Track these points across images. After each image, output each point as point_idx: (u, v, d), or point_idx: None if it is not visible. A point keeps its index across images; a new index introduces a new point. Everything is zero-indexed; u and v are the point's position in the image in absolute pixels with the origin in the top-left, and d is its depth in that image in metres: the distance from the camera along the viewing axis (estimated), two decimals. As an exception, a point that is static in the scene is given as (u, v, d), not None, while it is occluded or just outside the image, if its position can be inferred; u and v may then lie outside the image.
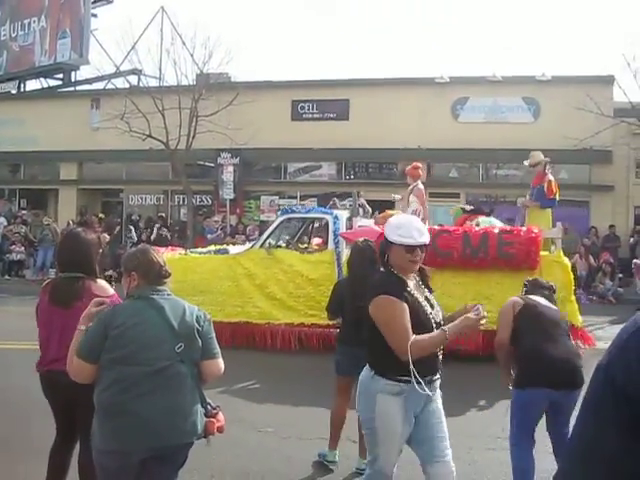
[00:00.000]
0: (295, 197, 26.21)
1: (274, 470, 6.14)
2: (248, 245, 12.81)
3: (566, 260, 10.98)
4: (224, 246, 13.71)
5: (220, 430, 3.92)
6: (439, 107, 24.43)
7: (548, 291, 5.85)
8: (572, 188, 23.82)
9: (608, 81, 22.85)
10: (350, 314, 6.22)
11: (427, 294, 4.37)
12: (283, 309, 11.61)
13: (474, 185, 25.21)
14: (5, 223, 25.19)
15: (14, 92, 32.40)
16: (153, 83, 27.13)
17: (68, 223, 23.61)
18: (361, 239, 6.78)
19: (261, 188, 27.13)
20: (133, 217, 26.36)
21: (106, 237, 20.53)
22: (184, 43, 26.04)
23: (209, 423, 3.84)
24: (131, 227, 24.49)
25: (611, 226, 21.82)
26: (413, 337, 3.97)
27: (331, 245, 11.82)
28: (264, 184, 27.11)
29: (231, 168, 23.62)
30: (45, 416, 5.18)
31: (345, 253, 11.42)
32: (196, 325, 3.86)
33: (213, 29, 41.97)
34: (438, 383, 4.33)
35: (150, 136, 23.82)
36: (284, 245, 12.86)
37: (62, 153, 28.57)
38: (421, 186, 13.06)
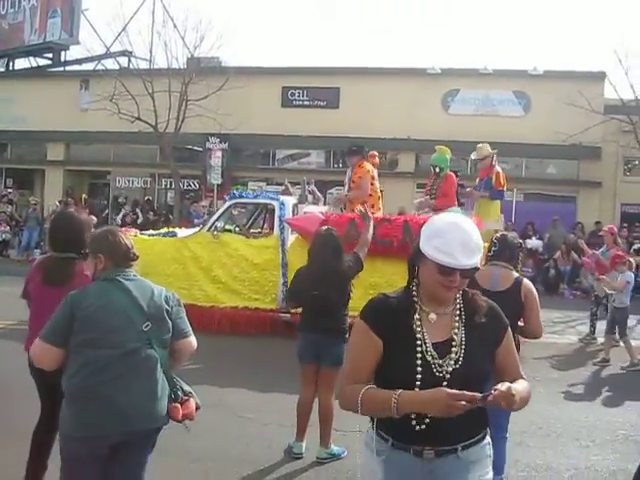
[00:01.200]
0: (282, 184, 26.14)
1: (254, 456, 6.13)
2: (196, 229, 12.83)
3: None
4: (173, 229, 13.75)
5: (187, 417, 3.80)
6: (430, 98, 24.42)
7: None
8: (560, 183, 23.96)
9: (599, 77, 22.91)
10: (308, 302, 6.22)
11: (456, 337, 2.80)
12: (228, 292, 11.68)
13: (463, 177, 25.13)
14: (-9, 202, 25.01)
15: (2, 70, 32.22)
16: (143, 65, 27.02)
17: (60, 203, 23.45)
18: (325, 227, 6.76)
19: (249, 174, 27.07)
20: (120, 199, 26.27)
21: (93, 219, 20.43)
22: (175, 26, 25.93)
23: (173, 409, 3.74)
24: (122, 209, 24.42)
25: (597, 222, 21.88)
26: (367, 387, 2.74)
27: (276, 230, 11.88)
28: (252, 170, 27.04)
29: (219, 153, 23.50)
30: (28, 397, 5.15)
31: (290, 239, 11.64)
32: (165, 306, 3.79)
33: (205, 13, 41.71)
34: (453, 461, 2.78)
35: (139, 119, 23.72)
36: (237, 229, 12.98)
37: (50, 133, 28.38)
38: (375, 174, 13.00)
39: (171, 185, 26.64)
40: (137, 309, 3.68)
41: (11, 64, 32.58)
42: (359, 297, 11.06)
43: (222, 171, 23.34)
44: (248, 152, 27.76)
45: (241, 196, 13.28)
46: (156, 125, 24.05)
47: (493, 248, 5.62)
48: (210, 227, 12.19)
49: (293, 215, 12.08)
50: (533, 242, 20.66)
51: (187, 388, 3.90)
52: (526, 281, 5.54)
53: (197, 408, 3.92)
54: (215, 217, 12.49)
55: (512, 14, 58.03)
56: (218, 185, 23.07)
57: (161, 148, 25.56)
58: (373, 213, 11.35)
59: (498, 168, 12.45)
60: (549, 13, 55.83)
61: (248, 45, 50.88)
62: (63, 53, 31.53)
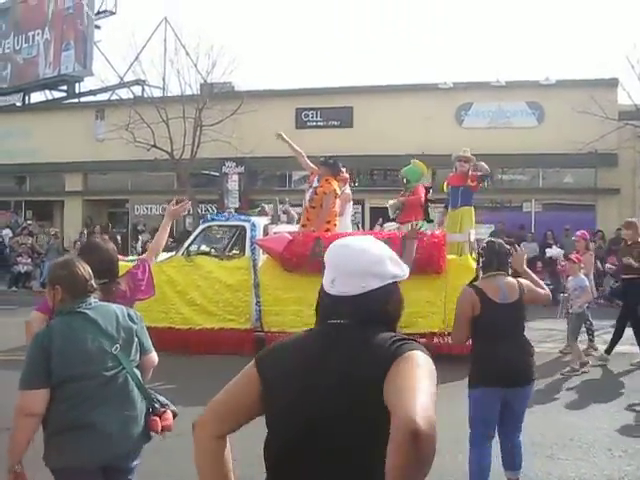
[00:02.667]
0: (300, 205, 26.17)
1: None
2: (172, 253, 13.01)
3: (473, 264, 11.03)
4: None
5: (166, 429, 3.82)
6: (443, 113, 24.42)
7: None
8: (578, 192, 23.83)
9: (612, 84, 22.83)
10: None
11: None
12: (203, 314, 11.80)
13: (479, 190, 25.10)
14: (11, 234, 25.22)
15: (19, 104, 32.47)
16: (157, 93, 27.28)
17: (85, 233, 23.61)
18: None
19: (266, 197, 27.06)
20: (139, 227, 26.40)
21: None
22: (187, 53, 26.17)
23: (153, 422, 3.74)
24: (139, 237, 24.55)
25: (618, 229, 21.72)
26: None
27: (248, 252, 12.10)
28: (269, 192, 27.02)
29: (236, 177, 23.67)
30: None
31: (261, 259, 11.88)
32: (132, 325, 3.82)
33: (216, 39, 42.09)
34: None
35: (155, 146, 23.90)
36: (213, 251, 13.26)
37: (67, 164, 28.61)
38: (348, 191, 13.24)
39: (189, 211, 26.76)
40: (105, 336, 3.67)
41: (27, 98, 32.88)
42: (311, 315, 11.24)
43: (239, 195, 23.45)
44: (264, 175, 27.85)
45: (214, 219, 13.63)
46: (172, 152, 24.22)
47: (481, 259, 5.65)
48: (184, 251, 12.41)
49: (265, 236, 12.30)
50: (553, 251, 20.46)
51: (163, 399, 3.90)
52: (521, 281, 5.59)
53: (174, 416, 3.92)
54: (189, 241, 12.73)
55: (521, 25, 58.04)
56: (236, 209, 23.15)
57: (178, 174, 25.72)
58: (328, 230, 11.69)
59: (469, 172, 12.50)
60: (559, 22, 55.90)
61: (260, 68, 51.18)
62: (77, 85, 31.78)
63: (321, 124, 26.32)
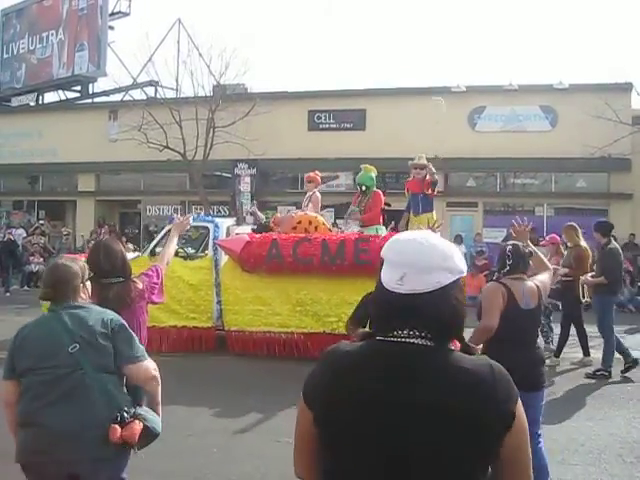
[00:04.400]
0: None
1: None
2: (138, 253, 13.39)
3: None
4: None
5: (126, 439, 3.60)
6: (456, 116, 24.37)
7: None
8: (590, 197, 23.74)
9: (626, 88, 22.77)
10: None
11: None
12: (167, 312, 11.89)
13: (491, 194, 25.13)
14: (24, 234, 25.34)
15: (32, 104, 32.66)
16: (170, 94, 27.34)
17: (91, 234, 23.73)
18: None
19: (278, 198, 27.14)
20: (150, 228, 26.46)
21: (130, 246, 20.70)
22: (201, 54, 26.24)
23: (111, 429, 3.57)
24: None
25: (631, 234, 21.64)
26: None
27: (210, 252, 12.49)
28: (281, 194, 27.12)
29: (248, 179, 23.72)
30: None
31: (223, 260, 12.20)
32: (100, 329, 3.73)
33: (229, 40, 42.18)
34: None
35: (167, 147, 23.97)
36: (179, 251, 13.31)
37: (80, 165, 28.75)
38: (318, 194, 13.37)
39: (201, 212, 26.81)
40: (66, 334, 3.68)
41: (40, 98, 33.06)
42: (287, 314, 11.46)
43: (251, 196, 23.49)
44: (276, 177, 27.86)
45: None
46: (184, 153, 24.28)
47: (508, 262, 5.60)
48: (149, 251, 12.73)
49: (228, 237, 12.70)
50: (566, 257, 20.38)
51: (140, 412, 3.74)
52: (539, 284, 5.61)
53: (152, 433, 3.76)
54: (155, 242, 13.10)
55: (535, 29, 57.99)
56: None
57: (190, 176, 25.79)
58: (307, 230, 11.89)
59: (428, 177, 12.63)
60: (573, 26, 55.77)
61: (273, 70, 51.33)
62: (91, 85, 31.93)
63: (334, 126, 26.33)
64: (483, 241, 21.77)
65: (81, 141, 28.12)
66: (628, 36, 54.80)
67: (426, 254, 2.06)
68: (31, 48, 33.37)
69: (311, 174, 13.61)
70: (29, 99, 32.78)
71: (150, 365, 3.89)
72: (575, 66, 52.01)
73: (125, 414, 3.64)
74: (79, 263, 4.06)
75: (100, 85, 31.74)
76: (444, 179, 25.32)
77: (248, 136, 22.77)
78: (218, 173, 26.43)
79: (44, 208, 31.27)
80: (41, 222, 27.64)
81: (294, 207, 26.47)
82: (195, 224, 13.54)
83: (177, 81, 26.90)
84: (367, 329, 2.24)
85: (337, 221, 24.69)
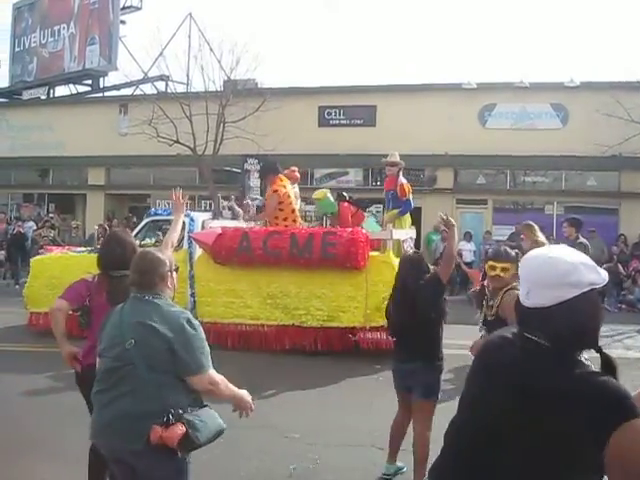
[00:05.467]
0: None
1: (300, 476, 6.12)
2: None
3: (394, 261, 11.04)
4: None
5: (166, 441, 3.58)
6: (466, 113, 24.33)
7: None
8: (601, 195, 23.64)
9: (638, 87, 22.61)
10: (395, 327, 6.07)
11: None
12: None
13: (501, 192, 25.06)
14: (34, 227, 25.41)
15: (44, 98, 32.73)
16: (181, 89, 27.36)
17: (100, 226, 23.76)
18: (412, 250, 6.84)
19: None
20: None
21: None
22: (212, 49, 26.22)
23: (152, 430, 3.59)
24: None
25: (641, 234, 21.55)
26: None
27: (185, 245, 12.61)
28: (290, 190, 27.10)
29: (258, 174, 23.65)
30: (72, 418, 5.20)
31: (198, 252, 12.36)
32: (162, 329, 3.71)
33: (240, 35, 42.15)
34: None
35: (177, 142, 23.99)
36: (156, 244, 13.80)
37: (90, 158, 28.80)
38: (297, 190, 13.55)
39: (210, 207, 26.78)
40: (127, 328, 3.77)
41: (52, 92, 33.14)
42: (258, 307, 11.55)
43: (261, 191, 23.45)
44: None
45: (156, 214, 14.25)
46: (194, 148, 24.30)
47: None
48: None
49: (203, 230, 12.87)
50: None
51: (189, 417, 3.67)
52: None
53: (195, 442, 3.67)
54: (133, 234, 12.95)
55: (546, 26, 57.75)
56: (257, 206, 23.18)
57: (200, 170, 25.81)
58: (277, 224, 12.13)
59: (403, 179, 12.81)
60: (584, 24, 55.46)
61: (284, 66, 51.30)
62: (102, 79, 32.03)
63: (344, 122, 26.30)
64: (492, 239, 21.69)
65: (91, 135, 28.16)
66: (639, 33, 54.52)
67: (545, 273, 2.23)
68: (42, 42, 33.47)
69: (288, 171, 13.78)
70: (40, 92, 32.85)
71: (205, 379, 3.78)
72: (586, 64, 51.80)
73: (171, 416, 3.62)
74: (167, 253, 4.23)
75: (111, 79, 31.92)
76: (454, 176, 25.31)
77: (258, 131, 22.78)
78: (228, 168, 26.38)
79: (54, 201, 31.32)
80: (50, 215, 27.71)
81: (304, 203, 26.55)
82: (170, 218, 13.92)
83: (188, 76, 26.96)
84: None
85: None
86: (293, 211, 12.36)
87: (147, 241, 13.65)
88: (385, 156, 22.74)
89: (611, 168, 23.17)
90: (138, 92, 29.19)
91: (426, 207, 24.37)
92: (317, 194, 13.66)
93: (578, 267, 2.21)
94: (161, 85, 28.85)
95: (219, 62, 25.89)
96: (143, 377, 3.67)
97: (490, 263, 5.73)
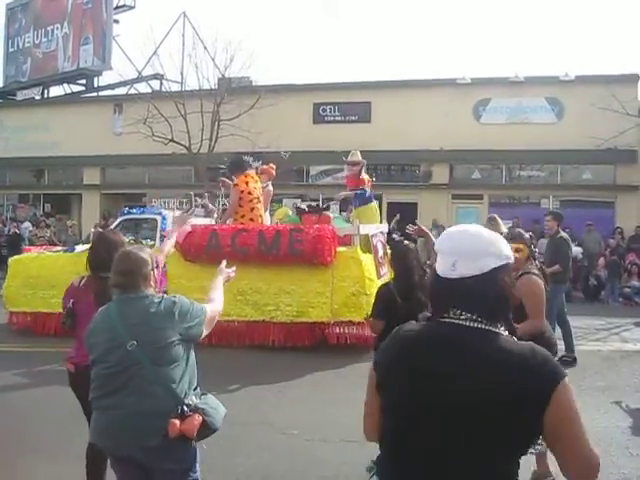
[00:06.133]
0: (317, 200, 26.23)
1: (298, 472, 6.11)
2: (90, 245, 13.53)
3: (362, 256, 11.37)
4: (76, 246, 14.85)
5: (186, 433, 3.66)
6: (461, 108, 24.34)
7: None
8: (597, 189, 23.67)
9: (633, 80, 22.67)
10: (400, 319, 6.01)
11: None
12: None
13: (496, 186, 25.08)
14: (30, 227, 25.38)
15: (38, 98, 32.69)
16: (175, 88, 27.35)
17: (96, 226, 23.73)
18: (402, 240, 6.89)
19: (283, 191, 27.05)
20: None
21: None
22: (205, 48, 26.25)
23: (170, 424, 3.64)
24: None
25: (637, 227, 21.56)
26: None
27: (157, 242, 12.65)
28: (287, 187, 27.03)
29: (253, 172, 23.63)
30: (70, 418, 5.19)
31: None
32: (162, 322, 3.77)
33: (234, 33, 42.19)
34: None
35: (173, 140, 23.99)
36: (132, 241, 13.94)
37: (85, 158, 28.78)
38: (271, 187, 13.76)
39: (207, 206, 26.78)
40: (125, 330, 3.74)
41: (46, 92, 33.09)
42: (228, 303, 11.59)
43: (256, 189, 23.44)
44: (282, 169, 27.76)
45: (130, 212, 14.41)
46: (190, 146, 24.30)
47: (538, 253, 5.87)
48: None
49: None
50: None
51: (201, 405, 3.78)
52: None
53: (210, 427, 3.80)
54: None
55: (541, 20, 57.80)
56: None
57: (195, 169, 25.81)
58: (242, 224, 12.08)
59: (366, 175, 13.13)
60: (578, 17, 55.56)
61: (278, 63, 51.26)
62: (96, 79, 32.00)
63: (339, 119, 26.31)
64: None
65: (86, 134, 28.14)
66: (635, 27, 54.56)
67: (473, 242, 2.34)
68: (36, 42, 33.44)
69: (266, 167, 14.02)
70: (34, 93, 32.82)
71: (209, 316, 4.01)
72: (581, 58, 51.88)
73: (185, 407, 3.70)
74: (147, 250, 4.14)
75: (105, 79, 31.90)
76: (449, 171, 25.32)
77: (253, 129, 22.78)
78: (223, 166, 26.39)
79: (50, 201, 31.33)
80: (41, 216, 27.69)
81: (299, 200, 26.56)
82: (144, 216, 14.34)
83: (182, 74, 26.95)
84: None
85: (342, 213, 24.73)
86: (252, 209, 12.33)
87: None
88: (381, 152, 22.81)
89: (607, 161, 23.20)
90: (132, 91, 29.19)
91: (422, 203, 24.44)
92: (278, 215, 14.01)
93: (498, 239, 2.38)
94: (155, 84, 28.88)
95: (213, 60, 25.95)
96: (151, 375, 3.70)
97: None
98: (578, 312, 14.94)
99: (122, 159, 28.25)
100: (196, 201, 15.46)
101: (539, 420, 2.15)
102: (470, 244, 2.33)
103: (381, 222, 13.99)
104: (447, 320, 2.32)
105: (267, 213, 13.76)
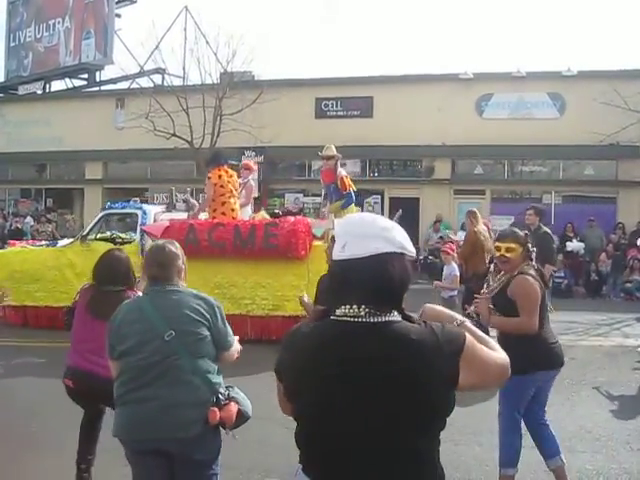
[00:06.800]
0: (319, 195, 26.20)
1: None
2: (72, 239, 14.01)
3: None
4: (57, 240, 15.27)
5: (225, 421, 3.83)
6: (463, 103, 24.30)
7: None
8: (599, 184, 23.64)
9: (635, 75, 22.59)
10: None
11: None
12: None
13: (499, 182, 25.07)
14: (32, 222, 25.41)
15: (40, 92, 32.65)
16: (177, 82, 27.29)
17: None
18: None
19: (285, 186, 27.14)
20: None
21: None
22: (208, 42, 26.21)
23: (211, 412, 3.77)
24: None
25: (639, 222, 21.54)
26: None
27: (137, 237, 12.93)
28: (288, 182, 27.11)
29: (255, 166, 23.64)
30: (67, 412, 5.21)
31: (149, 244, 12.54)
32: (197, 316, 3.85)
33: (236, 28, 42.07)
34: None
35: (175, 135, 23.97)
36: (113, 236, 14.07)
37: (87, 153, 28.77)
38: (252, 182, 13.96)
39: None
40: (162, 321, 3.79)
41: (47, 86, 33.05)
42: None
43: (259, 184, 23.44)
44: (284, 164, 27.81)
45: (111, 207, 14.54)
46: (192, 141, 24.28)
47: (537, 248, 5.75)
48: (83, 237, 13.31)
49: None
50: (574, 245, 20.28)
51: (234, 395, 3.93)
52: None
53: (244, 416, 3.97)
54: (88, 228, 13.69)
55: (543, 15, 57.62)
56: (255, 198, 23.16)
57: (197, 163, 25.75)
58: (214, 217, 12.25)
59: (342, 172, 12.94)
60: (581, 12, 55.36)
61: (280, 58, 51.07)
62: (98, 73, 31.93)
63: (341, 114, 26.27)
64: (492, 229, 21.69)
65: (88, 129, 28.12)
66: (638, 22, 54.40)
67: (364, 225, 2.37)
68: (38, 36, 33.37)
69: (247, 162, 14.22)
70: (36, 87, 32.76)
71: (236, 347, 4.15)
72: (583, 53, 51.67)
73: (221, 396, 3.84)
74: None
75: (107, 73, 31.80)
76: (451, 166, 25.29)
77: (255, 123, 22.76)
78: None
79: (52, 196, 31.31)
80: (42, 210, 27.74)
81: (301, 194, 26.59)
82: (125, 211, 14.55)
83: (184, 69, 26.86)
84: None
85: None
86: (224, 203, 12.35)
87: (105, 235, 14.02)
88: (383, 147, 22.79)
89: (609, 157, 23.18)
90: (134, 86, 29.11)
91: (424, 198, 24.42)
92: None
93: (395, 228, 2.38)
94: (157, 78, 28.80)
95: (215, 55, 25.90)
96: (188, 365, 3.78)
97: (495, 244, 5.58)
98: (580, 307, 14.98)
99: (124, 154, 28.23)
100: (176, 196, 15.54)
101: (453, 387, 2.25)
102: (361, 226, 2.36)
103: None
104: (342, 319, 2.31)
105: (249, 207, 13.93)
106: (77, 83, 33.18)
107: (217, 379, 3.90)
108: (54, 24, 32.57)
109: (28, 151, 29.84)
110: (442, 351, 2.21)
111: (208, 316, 3.88)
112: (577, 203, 23.65)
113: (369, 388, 2.20)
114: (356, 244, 2.30)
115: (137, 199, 18.81)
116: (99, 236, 13.52)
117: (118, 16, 31.62)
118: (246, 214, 13.32)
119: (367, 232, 2.32)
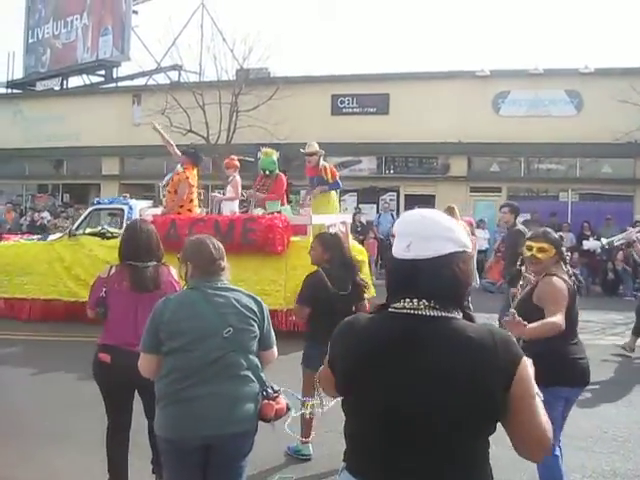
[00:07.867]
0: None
1: (298, 463, 6.20)
2: (61, 233, 14.39)
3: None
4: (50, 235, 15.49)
5: (279, 413, 3.92)
6: (480, 101, 24.23)
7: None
8: (616, 182, 23.52)
9: (653, 72, 22.45)
10: (330, 306, 5.85)
11: None
12: (87, 288, 12.23)
13: (515, 179, 24.98)
14: (49, 217, 25.54)
15: (57, 89, 32.83)
16: (193, 78, 27.38)
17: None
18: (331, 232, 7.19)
19: (301, 182, 26.94)
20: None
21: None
22: (224, 39, 26.28)
23: (266, 406, 3.84)
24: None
25: (654, 221, 21.42)
26: None
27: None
28: (304, 178, 27.00)
29: (238, 163, 23.70)
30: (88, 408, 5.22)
31: None
32: (249, 314, 3.90)
33: (253, 24, 42.14)
34: None
35: (191, 131, 24.04)
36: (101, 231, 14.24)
37: (104, 148, 28.91)
38: (238, 178, 14.04)
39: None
40: (219, 318, 3.80)
41: (65, 82, 33.24)
42: None
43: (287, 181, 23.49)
44: (299, 161, 27.71)
45: (99, 203, 15.06)
46: (208, 137, 24.34)
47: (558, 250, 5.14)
48: (71, 232, 13.57)
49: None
50: (590, 244, 20.04)
51: (276, 387, 3.99)
52: None
53: (288, 408, 4.05)
54: (77, 223, 13.96)
55: (561, 12, 57.31)
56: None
57: (213, 160, 25.82)
58: (180, 214, 12.48)
59: (325, 163, 13.20)
60: (599, 9, 55.05)
61: (296, 55, 51.09)
62: (115, 70, 32.08)
63: (357, 111, 26.24)
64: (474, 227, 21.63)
65: (105, 125, 28.27)
66: (655, 19, 54.00)
67: (429, 225, 2.37)
68: (56, 33, 33.56)
69: (228, 160, 14.49)
70: (54, 83, 32.98)
71: (275, 350, 4.15)
72: (601, 50, 51.35)
73: (270, 390, 3.91)
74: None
75: (124, 69, 31.93)
76: (467, 163, 25.22)
77: (271, 120, 22.78)
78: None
79: (68, 191, 31.49)
80: (59, 206, 27.89)
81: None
82: (112, 206, 15.01)
83: (200, 65, 26.97)
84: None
85: (360, 205, 24.64)
86: (191, 200, 12.85)
87: (93, 230, 14.21)
88: (399, 144, 22.76)
89: (626, 155, 23.03)
90: (151, 82, 29.23)
91: (440, 195, 24.34)
92: (267, 150, 14.14)
93: (457, 227, 2.41)
94: (174, 75, 28.86)
95: (232, 51, 25.95)
96: (244, 361, 3.84)
97: (527, 243, 5.17)
98: (596, 306, 14.88)
99: (141, 149, 28.31)
100: (163, 192, 15.81)
101: (505, 397, 2.20)
102: (426, 226, 2.37)
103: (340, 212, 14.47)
104: (401, 311, 2.32)
105: (236, 203, 14.25)
106: (94, 79, 33.34)
107: (263, 374, 3.97)
108: (72, 21, 32.74)
109: (45, 147, 30.02)
110: (498, 354, 2.21)
111: (259, 314, 3.94)
112: (594, 201, 23.53)
113: (427, 378, 2.22)
114: (422, 245, 2.33)
115: (127, 195, 19.53)
116: (88, 230, 13.81)
117: (135, 13, 31.73)
118: (235, 208, 13.83)
119: (432, 233, 2.34)
